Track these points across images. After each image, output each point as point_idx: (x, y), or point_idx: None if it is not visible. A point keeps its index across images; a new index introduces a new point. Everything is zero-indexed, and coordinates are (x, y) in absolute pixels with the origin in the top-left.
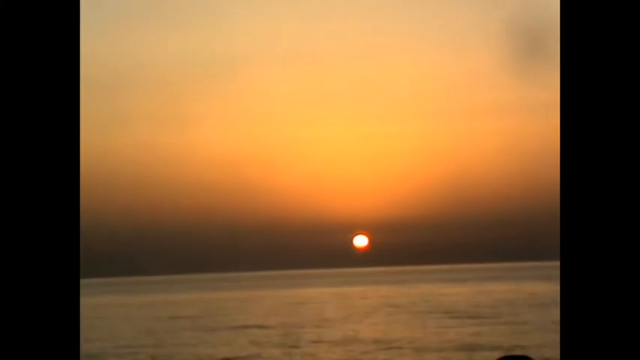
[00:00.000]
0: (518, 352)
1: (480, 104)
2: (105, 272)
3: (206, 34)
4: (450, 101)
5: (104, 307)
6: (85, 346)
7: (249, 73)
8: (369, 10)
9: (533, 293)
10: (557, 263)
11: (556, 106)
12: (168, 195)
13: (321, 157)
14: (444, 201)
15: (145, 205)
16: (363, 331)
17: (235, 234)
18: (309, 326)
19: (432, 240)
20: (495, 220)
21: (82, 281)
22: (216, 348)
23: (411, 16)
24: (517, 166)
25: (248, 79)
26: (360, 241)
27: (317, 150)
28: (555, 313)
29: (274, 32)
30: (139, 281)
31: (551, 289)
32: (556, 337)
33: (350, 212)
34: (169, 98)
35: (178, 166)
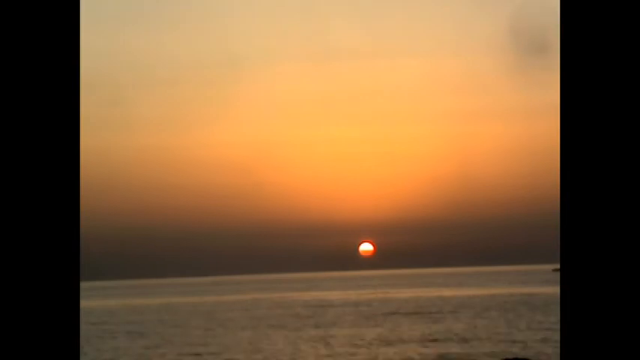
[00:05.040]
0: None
1: (482, 107)
2: (113, 275)
3: (212, 35)
4: (452, 104)
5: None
6: None
7: (254, 75)
8: (370, 12)
9: None
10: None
11: (557, 109)
12: (173, 197)
13: (325, 159)
14: (447, 203)
15: (148, 208)
16: None
17: (239, 237)
18: None
19: (434, 243)
20: (498, 223)
21: (91, 284)
22: None
23: (413, 19)
24: (521, 167)
25: (253, 81)
26: (366, 247)
27: (321, 152)
28: None
29: (281, 34)
30: (143, 284)
31: None
32: None
33: (356, 215)
34: (174, 100)
35: (184, 168)
